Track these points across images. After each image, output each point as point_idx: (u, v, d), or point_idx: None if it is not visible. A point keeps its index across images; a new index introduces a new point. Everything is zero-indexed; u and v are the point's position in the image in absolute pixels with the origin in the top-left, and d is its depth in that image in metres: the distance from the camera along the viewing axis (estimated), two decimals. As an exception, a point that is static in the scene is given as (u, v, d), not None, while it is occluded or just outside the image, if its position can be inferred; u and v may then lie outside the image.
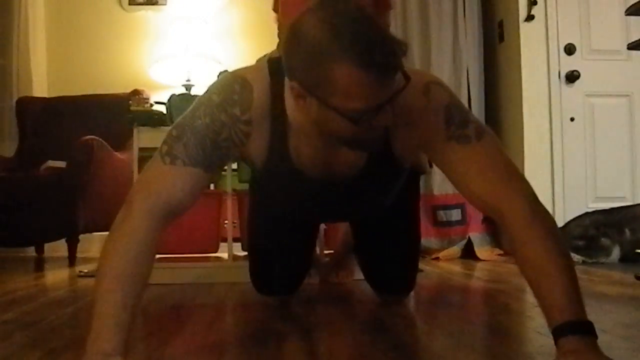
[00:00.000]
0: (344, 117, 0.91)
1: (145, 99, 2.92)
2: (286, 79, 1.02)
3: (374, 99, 0.90)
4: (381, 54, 0.86)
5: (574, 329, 0.86)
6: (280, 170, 1.18)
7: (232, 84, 1.06)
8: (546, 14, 3.21)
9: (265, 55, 1.69)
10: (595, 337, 0.87)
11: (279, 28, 1.81)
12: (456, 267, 2.74)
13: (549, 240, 0.93)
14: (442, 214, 3.29)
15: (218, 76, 2.51)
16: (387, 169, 1.22)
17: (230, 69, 3.09)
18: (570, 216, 3.04)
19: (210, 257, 2.39)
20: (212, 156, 1.04)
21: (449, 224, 3.27)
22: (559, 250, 0.93)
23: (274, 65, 1.07)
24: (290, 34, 0.94)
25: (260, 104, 1.07)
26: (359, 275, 2.10)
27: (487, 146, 1.04)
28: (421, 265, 2.04)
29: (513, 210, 0.97)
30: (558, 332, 0.87)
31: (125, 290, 0.90)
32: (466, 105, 3.40)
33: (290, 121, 1.08)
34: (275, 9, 1.86)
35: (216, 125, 1.03)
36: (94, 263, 2.98)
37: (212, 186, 2.75)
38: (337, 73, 0.87)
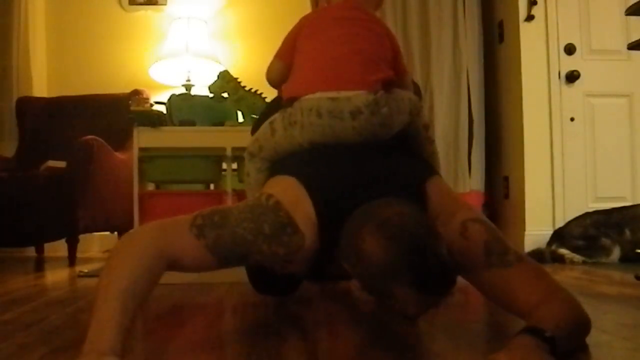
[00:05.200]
0: (396, 311, 1.03)
1: (145, 99, 2.92)
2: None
3: (428, 307, 1.02)
4: (436, 282, 0.96)
5: (532, 330, 0.90)
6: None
7: (285, 226, 1.10)
8: (546, 14, 3.21)
9: None
10: (552, 345, 0.89)
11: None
12: (456, 267, 2.73)
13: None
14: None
15: (218, 76, 2.53)
16: None
17: (230, 69, 3.04)
18: (570, 216, 3.04)
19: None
20: (234, 260, 1.09)
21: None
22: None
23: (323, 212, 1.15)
24: (353, 248, 1.01)
25: (309, 249, 1.14)
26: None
27: (528, 266, 1.11)
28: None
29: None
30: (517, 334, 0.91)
31: (125, 300, 0.92)
32: (466, 105, 3.42)
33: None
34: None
35: (254, 248, 1.08)
36: (94, 263, 2.98)
37: (212, 186, 2.75)
38: (397, 292, 0.96)
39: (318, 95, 1.32)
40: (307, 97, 1.33)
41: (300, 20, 1.62)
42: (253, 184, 1.46)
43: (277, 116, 1.41)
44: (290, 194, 1.17)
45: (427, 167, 1.36)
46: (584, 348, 1.06)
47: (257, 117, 2.52)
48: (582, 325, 0.99)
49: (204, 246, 1.04)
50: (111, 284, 0.93)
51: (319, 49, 1.45)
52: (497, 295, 1.11)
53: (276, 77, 1.63)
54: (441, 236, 1.01)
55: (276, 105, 1.56)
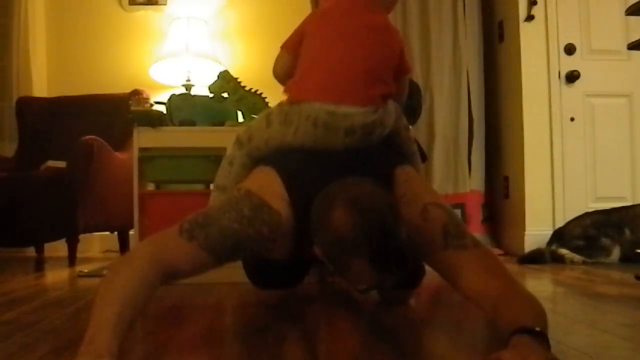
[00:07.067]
0: (352, 285, 1.13)
1: (145, 99, 2.92)
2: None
3: (379, 283, 1.09)
4: (391, 262, 1.03)
5: (525, 330, 0.90)
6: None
7: (261, 206, 1.17)
8: (546, 14, 3.22)
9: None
10: (545, 340, 0.89)
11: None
12: (456, 267, 2.73)
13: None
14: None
15: (218, 76, 2.52)
16: None
17: (230, 69, 3.04)
18: (570, 216, 3.04)
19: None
20: (228, 252, 1.14)
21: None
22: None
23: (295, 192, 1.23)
24: (321, 216, 1.08)
25: (287, 226, 1.21)
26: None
27: (484, 253, 1.14)
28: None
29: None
30: (512, 334, 0.91)
31: (122, 307, 0.95)
32: (466, 105, 3.42)
33: None
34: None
35: (242, 235, 1.14)
36: (94, 263, 2.98)
37: (212, 186, 2.75)
38: (354, 265, 1.04)
39: (317, 105, 1.34)
40: (306, 103, 1.35)
41: (310, 17, 1.62)
42: (233, 174, 1.47)
43: (274, 109, 1.44)
44: (259, 179, 1.26)
45: (399, 156, 1.42)
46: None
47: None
48: (544, 317, 1.01)
49: (198, 247, 1.09)
50: (108, 293, 0.97)
51: (324, 53, 1.45)
52: (452, 277, 1.13)
53: (284, 71, 1.62)
54: (403, 221, 1.07)
55: None
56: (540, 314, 0.98)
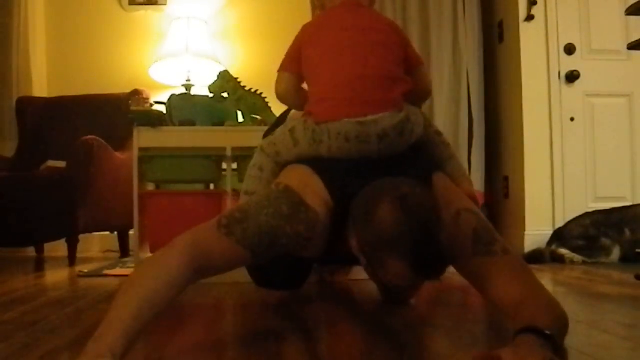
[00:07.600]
0: (383, 284, 1.08)
1: (145, 99, 2.92)
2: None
3: (414, 282, 1.08)
4: (429, 266, 1.03)
5: (532, 329, 0.90)
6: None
7: (299, 205, 1.17)
8: (546, 14, 3.22)
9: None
10: (553, 343, 0.89)
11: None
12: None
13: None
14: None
15: (218, 76, 2.53)
16: None
17: (230, 69, 3.03)
18: (570, 216, 3.04)
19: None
20: (264, 249, 1.13)
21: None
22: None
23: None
24: (367, 208, 1.07)
25: (324, 225, 1.22)
26: (356, 275, 2.11)
27: (512, 260, 1.14)
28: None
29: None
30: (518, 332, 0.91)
31: (141, 306, 0.94)
32: (466, 105, 3.42)
33: None
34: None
35: (280, 232, 1.13)
36: (94, 263, 2.98)
37: (212, 186, 2.75)
38: (390, 262, 1.03)
39: (345, 120, 1.31)
40: (335, 122, 1.32)
41: (303, 30, 1.58)
42: (265, 181, 1.44)
43: (297, 126, 1.39)
44: (298, 177, 1.25)
45: (433, 163, 1.42)
46: (562, 347, 1.06)
47: (261, 122, 2.52)
48: (565, 324, 1.01)
49: (235, 242, 1.09)
50: (132, 289, 0.97)
51: (337, 68, 1.42)
52: (480, 283, 1.14)
53: (287, 89, 1.56)
54: (444, 226, 1.06)
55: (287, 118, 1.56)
56: (558, 319, 0.98)
